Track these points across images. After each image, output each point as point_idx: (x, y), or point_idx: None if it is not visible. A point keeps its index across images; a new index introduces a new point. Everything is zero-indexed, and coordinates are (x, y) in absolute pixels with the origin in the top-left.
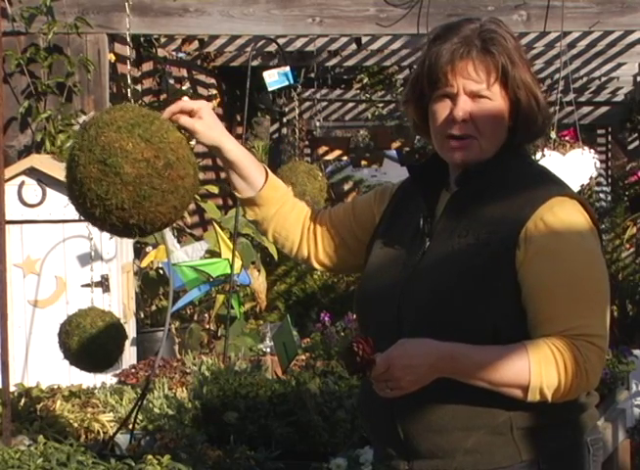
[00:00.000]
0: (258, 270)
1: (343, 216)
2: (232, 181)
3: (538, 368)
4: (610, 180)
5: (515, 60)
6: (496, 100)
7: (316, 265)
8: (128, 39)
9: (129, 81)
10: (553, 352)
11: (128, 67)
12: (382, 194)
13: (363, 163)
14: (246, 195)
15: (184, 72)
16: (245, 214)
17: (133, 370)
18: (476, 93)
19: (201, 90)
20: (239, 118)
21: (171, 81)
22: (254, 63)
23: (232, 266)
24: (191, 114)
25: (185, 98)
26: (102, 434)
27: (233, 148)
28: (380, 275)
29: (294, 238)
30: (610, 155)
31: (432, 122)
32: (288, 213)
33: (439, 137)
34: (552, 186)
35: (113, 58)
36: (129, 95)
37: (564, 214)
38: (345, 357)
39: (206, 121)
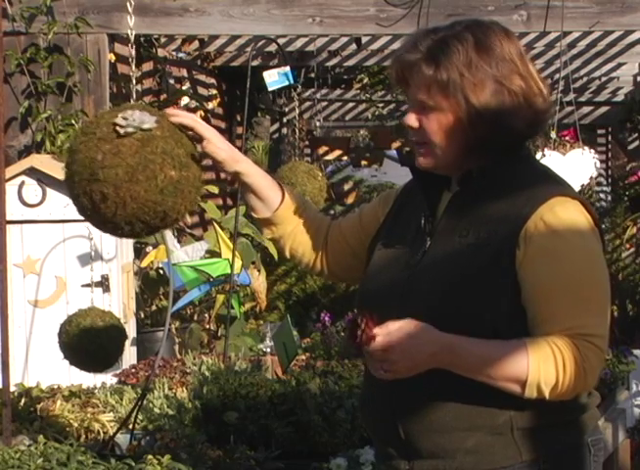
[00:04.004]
0: (258, 270)
1: (352, 226)
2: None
3: (537, 364)
4: (610, 180)
5: (455, 74)
6: (438, 110)
7: (331, 277)
8: (132, 39)
9: (134, 82)
10: (552, 349)
11: (133, 68)
12: (386, 198)
13: (363, 163)
14: (263, 215)
15: (184, 72)
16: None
17: (133, 370)
18: (422, 103)
19: (201, 90)
20: (239, 118)
21: (171, 81)
22: (254, 63)
23: (232, 266)
24: (199, 139)
25: (185, 98)
26: (102, 434)
27: (252, 171)
28: (381, 274)
29: (310, 254)
30: (610, 155)
31: None
32: (304, 230)
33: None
34: (553, 186)
35: (113, 58)
36: (133, 95)
37: (564, 214)
38: (349, 330)
39: (228, 150)
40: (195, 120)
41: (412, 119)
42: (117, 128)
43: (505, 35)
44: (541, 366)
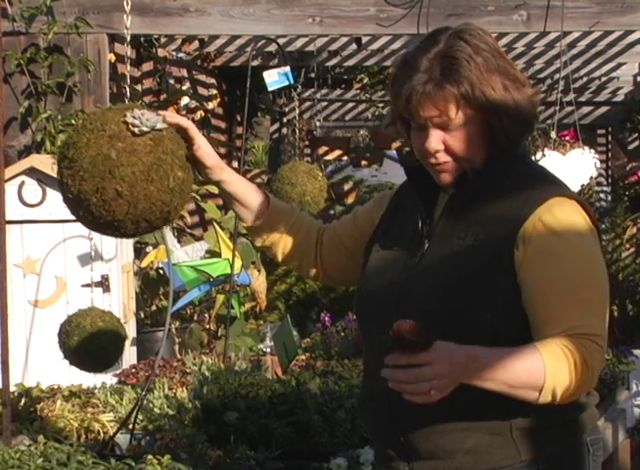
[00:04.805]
0: (258, 270)
1: (346, 228)
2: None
3: (553, 368)
4: (610, 180)
5: (474, 81)
6: (464, 125)
7: (327, 280)
8: (128, 38)
9: (128, 81)
10: (564, 351)
11: (128, 67)
12: (381, 199)
13: (363, 163)
14: (250, 223)
15: (184, 72)
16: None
17: (133, 370)
18: (442, 125)
19: (201, 90)
20: (239, 118)
21: (171, 81)
22: (255, 63)
23: (232, 266)
24: (191, 142)
25: (185, 98)
26: (102, 434)
27: (233, 179)
28: (379, 276)
29: (303, 258)
30: (610, 155)
31: (414, 149)
32: (295, 235)
33: (423, 163)
34: (551, 186)
35: (113, 58)
36: (127, 95)
37: (562, 215)
38: (411, 332)
39: (216, 157)
40: (189, 122)
41: (436, 143)
42: (131, 127)
43: (484, 32)
44: (556, 369)
